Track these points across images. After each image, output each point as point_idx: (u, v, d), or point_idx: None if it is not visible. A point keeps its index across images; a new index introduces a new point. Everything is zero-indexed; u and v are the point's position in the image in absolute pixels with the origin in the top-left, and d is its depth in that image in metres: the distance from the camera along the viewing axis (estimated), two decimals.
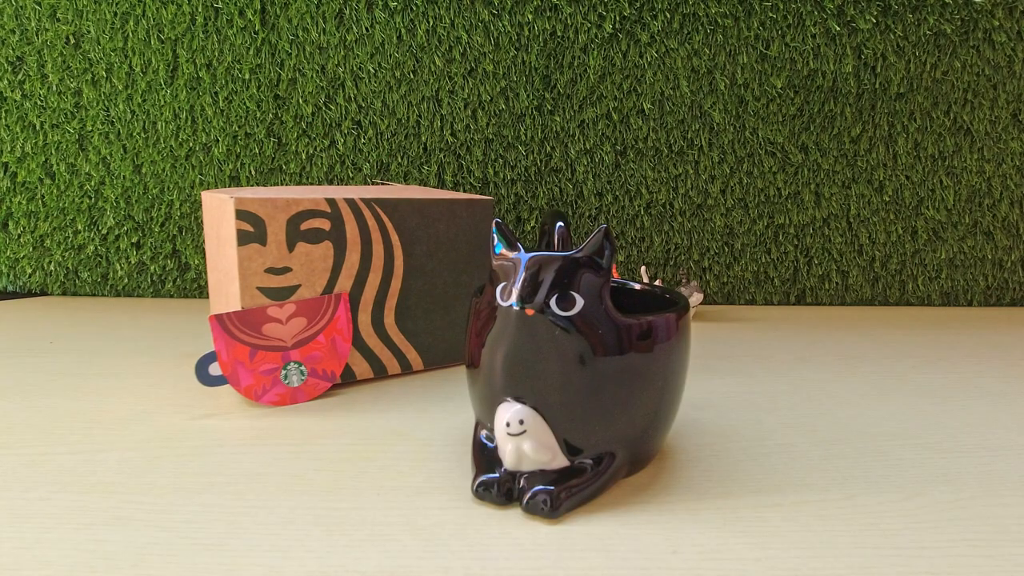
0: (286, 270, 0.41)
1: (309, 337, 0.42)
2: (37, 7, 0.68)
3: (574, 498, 0.29)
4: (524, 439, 0.29)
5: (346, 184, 0.71)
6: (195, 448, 0.35)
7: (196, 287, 0.74)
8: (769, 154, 0.73)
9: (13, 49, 0.69)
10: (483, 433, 0.32)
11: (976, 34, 0.70)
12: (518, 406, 0.29)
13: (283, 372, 0.41)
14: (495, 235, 0.32)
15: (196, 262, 0.73)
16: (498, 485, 0.30)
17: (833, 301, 0.76)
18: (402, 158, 0.72)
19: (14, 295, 0.73)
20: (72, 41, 0.69)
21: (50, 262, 0.73)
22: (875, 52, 0.71)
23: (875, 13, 0.70)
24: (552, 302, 0.29)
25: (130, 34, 0.68)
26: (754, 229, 0.74)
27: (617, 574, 0.25)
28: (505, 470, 0.30)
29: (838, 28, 0.70)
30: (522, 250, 0.31)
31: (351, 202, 0.43)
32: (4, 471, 0.32)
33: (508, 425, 0.29)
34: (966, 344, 0.60)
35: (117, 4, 0.68)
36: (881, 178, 0.73)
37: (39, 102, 0.70)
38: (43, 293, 0.74)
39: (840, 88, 0.71)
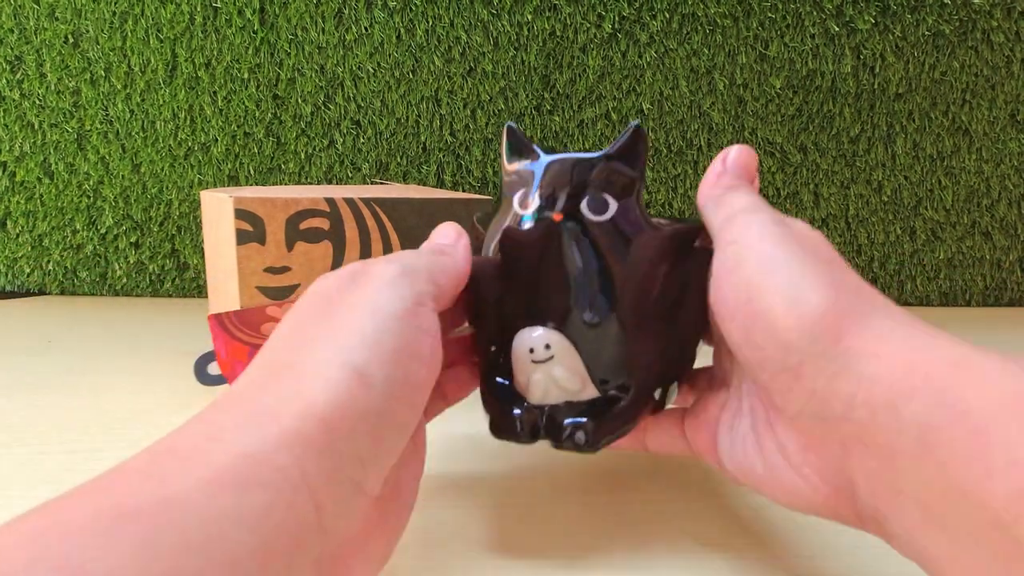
0: (285, 269, 0.41)
1: None
2: (36, 6, 0.68)
3: (613, 431, 0.26)
4: (553, 365, 0.25)
5: (345, 184, 0.71)
6: None
7: (195, 286, 0.74)
8: (768, 154, 0.73)
9: (11, 48, 0.68)
10: (491, 373, 0.28)
11: (975, 35, 0.71)
12: (541, 330, 0.26)
13: None
14: (506, 143, 0.28)
15: (195, 261, 0.73)
16: (521, 422, 0.26)
17: None
18: (401, 158, 0.72)
19: (12, 294, 0.73)
20: (71, 40, 0.68)
21: (48, 261, 0.73)
22: (874, 52, 0.71)
23: (874, 13, 0.70)
24: (583, 205, 0.25)
25: (129, 33, 0.68)
26: None
27: (617, 574, 0.25)
28: (529, 404, 0.26)
29: (837, 28, 0.70)
30: (541, 154, 0.27)
31: (350, 201, 0.43)
32: (2, 471, 0.32)
33: (532, 351, 0.25)
34: None
35: (116, 3, 0.68)
36: (880, 178, 0.74)
37: (37, 101, 0.69)
38: (41, 292, 0.74)
39: (839, 88, 0.71)
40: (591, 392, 0.26)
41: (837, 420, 0.19)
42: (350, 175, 0.72)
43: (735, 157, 0.26)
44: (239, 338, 0.40)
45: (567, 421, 0.25)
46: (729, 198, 0.25)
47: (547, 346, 0.25)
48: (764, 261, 0.22)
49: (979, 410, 0.16)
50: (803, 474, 0.21)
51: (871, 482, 0.19)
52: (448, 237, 0.26)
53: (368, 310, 0.20)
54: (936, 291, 0.77)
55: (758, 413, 0.23)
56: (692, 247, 0.26)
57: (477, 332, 0.28)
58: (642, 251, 0.25)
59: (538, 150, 0.27)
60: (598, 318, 0.25)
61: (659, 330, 0.26)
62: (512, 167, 0.27)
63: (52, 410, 0.40)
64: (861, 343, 0.19)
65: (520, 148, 0.27)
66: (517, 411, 0.26)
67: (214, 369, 0.41)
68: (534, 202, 0.26)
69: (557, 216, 0.25)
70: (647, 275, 0.25)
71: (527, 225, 0.26)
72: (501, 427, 0.26)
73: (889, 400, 0.18)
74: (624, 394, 0.26)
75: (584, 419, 0.25)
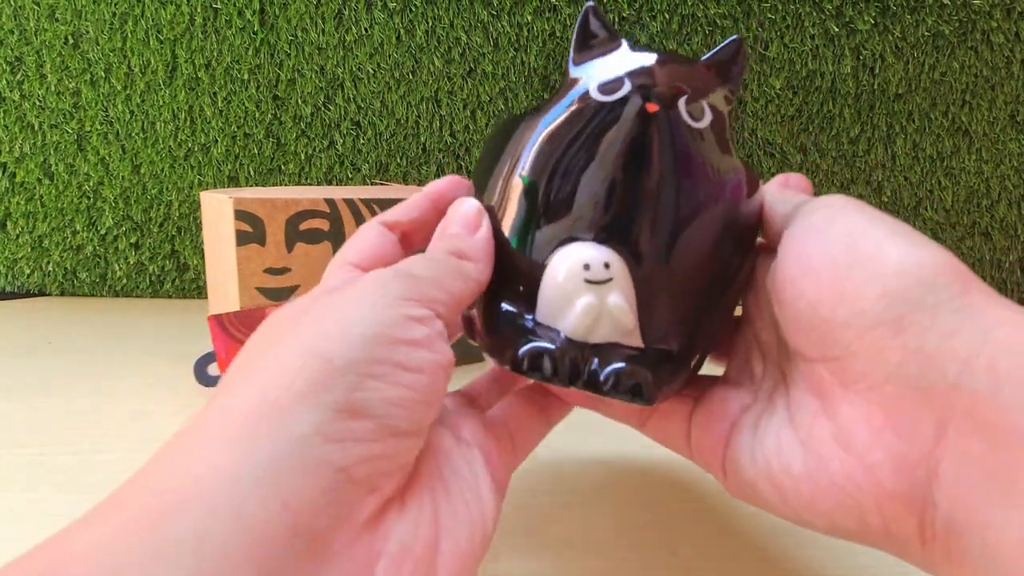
0: (285, 270, 0.41)
1: None
2: (36, 7, 0.68)
3: (672, 384, 0.21)
4: (610, 290, 0.20)
5: (345, 184, 0.71)
6: None
7: (195, 287, 0.74)
8: (768, 154, 0.73)
9: (12, 49, 0.68)
10: (504, 304, 0.22)
11: (974, 35, 0.71)
12: (596, 247, 0.20)
13: None
14: (584, 26, 0.23)
15: (195, 262, 0.73)
16: (554, 360, 0.20)
17: None
18: (401, 159, 0.72)
19: (12, 295, 0.73)
20: (71, 41, 0.68)
21: (48, 262, 0.73)
22: (874, 53, 0.71)
23: (873, 14, 0.70)
24: (681, 105, 0.21)
25: (129, 34, 0.68)
26: None
27: (617, 574, 0.25)
28: (567, 340, 0.21)
29: (837, 29, 0.70)
30: (626, 42, 0.23)
31: (350, 202, 0.43)
32: (2, 472, 0.32)
33: (587, 268, 0.20)
34: None
35: (116, 4, 0.68)
36: (880, 179, 0.74)
37: (38, 102, 0.69)
38: (41, 293, 0.74)
39: (839, 89, 0.71)
40: (637, 340, 0.21)
41: (945, 388, 0.16)
42: (350, 176, 0.72)
43: (796, 180, 0.25)
44: (239, 339, 0.40)
45: (613, 367, 0.20)
46: (803, 197, 0.22)
47: (607, 265, 0.20)
48: (869, 216, 0.19)
49: None
50: (869, 463, 0.17)
51: (970, 474, 0.15)
52: (468, 225, 0.22)
53: (335, 316, 0.17)
54: None
55: (805, 405, 0.19)
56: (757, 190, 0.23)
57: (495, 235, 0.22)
58: (737, 177, 0.22)
59: (623, 39, 0.23)
60: (675, 243, 0.21)
61: (727, 277, 0.22)
62: (589, 51, 0.23)
63: (52, 411, 0.40)
64: (989, 302, 0.17)
65: (600, 33, 0.23)
66: (548, 345, 0.20)
67: (214, 370, 0.41)
68: (624, 88, 0.21)
69: (652, 106, 0.20)
70: (736, 204, 0.22)
71: (607, 113, 0.21)
72: (530, 364, 0.20)
73: (1021, 368, 0.15)
74: (670, 347, 0.21)
75: (635, 366, 0.20)
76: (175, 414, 0.40)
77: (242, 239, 0.39)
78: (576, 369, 0.20)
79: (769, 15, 0.70)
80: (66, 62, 0.69)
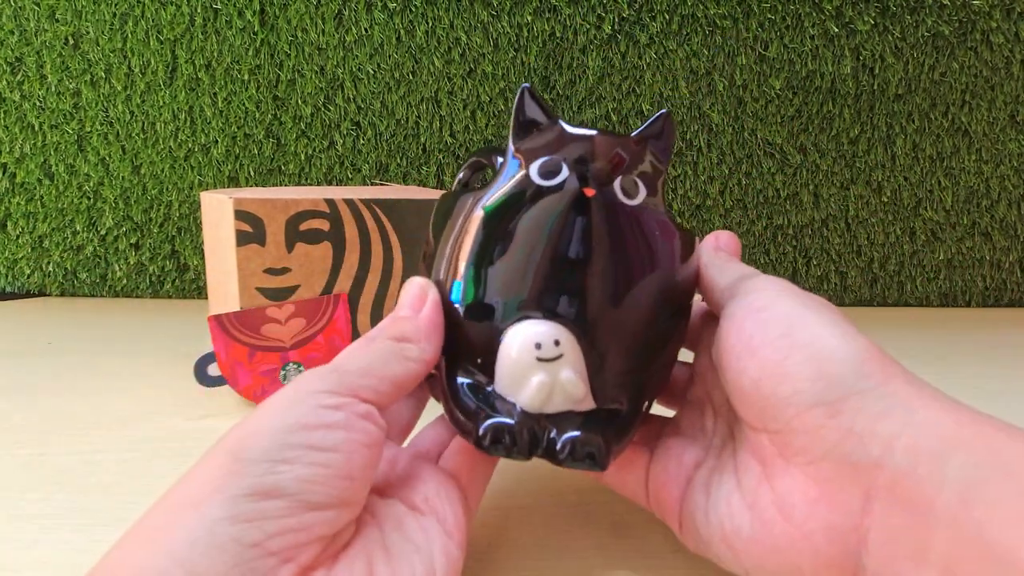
0: (285, 270, 0.41)
1: (308, 338, 0.42)
2: (36, 8, 0.68)
3: (621, 445, 0.23)
4: (562, 366, 0.22)
5: (345, 185, 0.71)
6: (194, 449, 0.35)
7: (195, 288, 0.74)
8: (768, 155, 0.73)
9: (12, 50, 0.68)
10: (463, 379, 0.23)
11: (974, 36, 0.71)
12: (546, 323, 0.22)
13: (282, 373, 0.41)
14: (522, 107, 0.24)
15: (195, 263, 0.73)
16: (513, 435, 0.21)
17: (832, 302, 0.76)
18: (401, 159, 0.72)
19: (12, 296, 0.73)
20: (71, 42, 0.69)
21: (49, 263, 0.73)
22: (873, 53, 0.71)
23: (873, 15, 0.70)
24: (616, 184, 0.23)
25: (129, 35, 0.68)
26: (753, 230, 0.74)
27: (617, 574, 0.25)
28: (524, 413, 0.22)
29: (836, 29, 0.70)
30: (564, 124, 0.24)
31: (350, 202, 0.43)
32: (2, 472, 0.32)
33: (539, 347, 0.22)
34: (964, 345, 0.60)
35: (116, 5, 0.68)
36: (879, 179, 0.74)
37: (38, 103, 0.69)
38: (41, 294, 0.74)
39: (839, 89, 0.71)
40: (590, 403, 0.23)
41: (870, 465, 0.18)
42: (350, 176, 0.72)
43: (727, 240, 0.27)
44: (239, 339, 0.40)
45: (568, 436, 0.22)
46: (736, 265, 0.25)
47: (557, 342, 0.22)
48: (802, 303, 0.22)
49: None
50: (806, 531, 0.19)
51: (891, 543, 0.18)
52: (413, 306, 0.23)
53: (255, 418, 0.19)
54: (936, 292, 0.77)
55: (749, 471, 0.21)
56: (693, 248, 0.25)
57: (446, 323, 0.24)
58: (668, 244, 0.23)
59: (559, 120, 0.24)
60: (618, 313, 0.22)
61: (667, 333, 0.24)
62: (528, 134, 0.24)
63: (52, 411, 0.40)
64: (909, 390, 0.19)
65: (537, 114, 0.24)
66: (507, 420, 0.22)
67: (214, 370, 0.41)
68: (562, 173, 0.23)
69: (589, 191, 0.22)
70: (671, 272, 0.23)
71: (547, 197, 0.22)
72: (491, 439, 0.22)
73: (936, 449, 0.17)
74: (620, 405, 0.23)
75: (588, 433, 0.22)
76: (175, 414, 0.40)
77: (242, 239, 0.39)
78: (535, 440, 0.22)
79: (769, 15, 0.70)
80: (66, 63, 0.69)
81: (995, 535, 0.15)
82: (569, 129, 0.24)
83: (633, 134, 0.24)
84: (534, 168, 0.23)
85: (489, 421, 0.22)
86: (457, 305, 0.23)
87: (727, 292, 0.23)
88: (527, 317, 0.22)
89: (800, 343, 0.20)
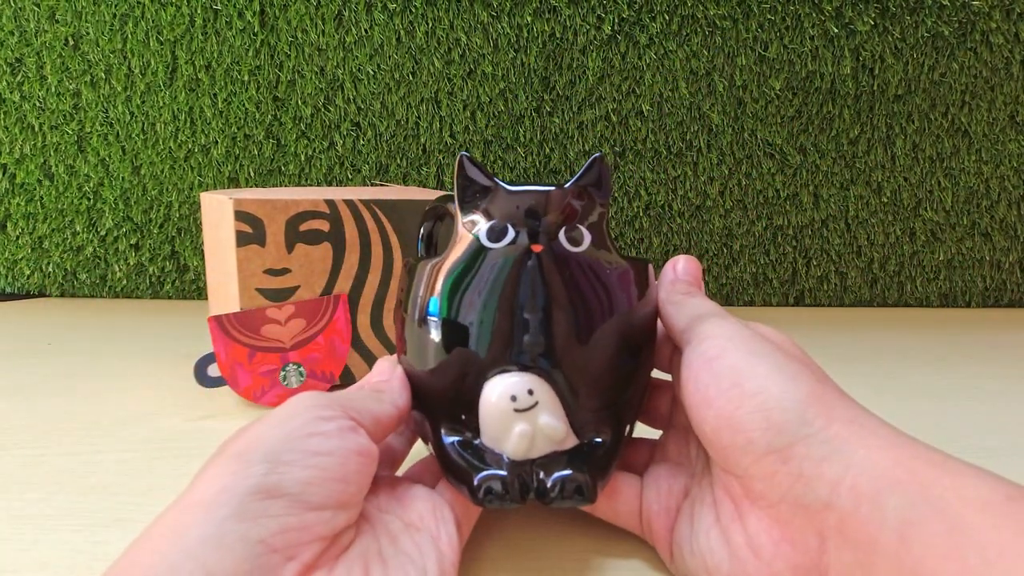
0: (285, 271, 0.41)
1: (308, 338, 0.42)
2: (36, 9, 0.68)
3: (606, 477, 0.24)
4: (538, 413, 0.23)
5: (345, 185, 0.71)
6: (194, 449, 0.35)
7: (195, 288, 0.74)
8: (768, 155, 0.73)
9: (12, 50, 0.69)
10: (450, 438, 0.25)
11: (974, 36, 0.71)
12: (517, 375, 0.23)
13: (282, 373, 0.41)
14: (463, 176, 0.26)
15: (195, 263, 0.73)
16: (506, 483, 0.23)
17: (832, 302, 0.76)
18: (401, 159, 0.72)
19: (12, 296, 0.73)
20: (71, 43, 0.69)
21: (48, 263, 0.73)
22: (873, 54, 0.71)
23: (873, 15, 0.70)
24: (562, 236, 0.24)
25: (129, 35, 0.68)
26: (753, 230, 0.74)
27: (617, 574, 0.25)
28: (511, 462, 0.24)
29: (836, 30, 0.70)
30: (503, 185, 0.25)
31: (350, 203, 0.43)
32: (2, 472, 0.32)
33: (514, 399, 0.23)
34: (964, 345, 0.60)
35: (116, 6, 0.68)
36: (879, 179, 0.74)
37: (38, 103, 0.70)
38: (41, 294, 0.74)
39: (838, 90, 0.71)
40: (572, 440, 0.24)
41: (820, 507, 0.19)
42: (350, 177, 0.72)
43: (684, 267, 0.28)
44: (239, 340, 0.40)
45: (556, 476, 0.23)
46: (693, 302, 0.26)
47: (530, 391, 0.23)
48: (749, 351, 0.22)
49: (958, 510, 0.17)
50: (775, 570, 0.20)
51: None
52: (383, 373, 0.27)
53: (257, 428, 0.21)
54: (936, 292, 0.77)
55: (724, 506, 0.23)
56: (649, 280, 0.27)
57: (425, 389, 0.26)
58: (619, 282, 0.25)
59: (499, 182, 0.26)
60: (583, 355, 0.24)
61: (634, 365, 0.25)
62: (473, 201, 0.26)
63: (52, 412, 0.40)
64: (849, 431, 0.20)
65: (478, 180, 0.26)
66: (498, 472, 0.23)
67: (214, 371, 0.41)
68: (509, 234, 0.24)
69: (537, 247, 0.24)
70: (628, 305, 0.25)
71: (500, 258, 0.24)
72: (485, 491, 0.23)
73: (874, 490, 0.18)
74: (602, 437, 0.25)
75: (574, 471, 0.23)
76: (175, 414, 0.40)
77: (242, 240, 0.39)
78: (525, 486, 0.23)
79: (769, 16, 0.70)
80: (66, 63, 0.69)
81: (932, 572, 0.17)
82: (511, 189, 0.25)
83: (568, 184, 0.26)
84: (482, 233, 0.25)
85: (480, 475, 0.23)
86: (434, 367, 0.25)
87: (684, 336, 0.24)
88: (501, 371, 0.24)
89: (749, 393, 0.21)
